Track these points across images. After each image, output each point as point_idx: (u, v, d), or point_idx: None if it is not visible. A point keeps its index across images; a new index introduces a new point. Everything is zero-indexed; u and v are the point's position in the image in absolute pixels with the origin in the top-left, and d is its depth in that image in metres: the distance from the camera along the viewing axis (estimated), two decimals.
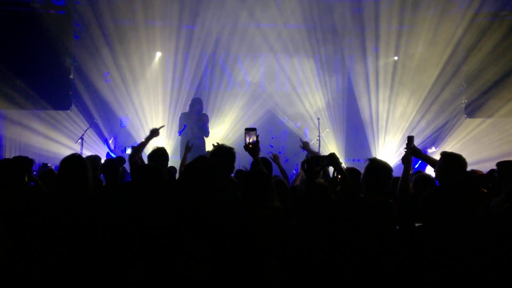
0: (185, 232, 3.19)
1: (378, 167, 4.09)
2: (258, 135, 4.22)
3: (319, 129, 11.12)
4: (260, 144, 4.21)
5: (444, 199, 3.41)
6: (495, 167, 4.83)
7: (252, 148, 4.15)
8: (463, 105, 11.17)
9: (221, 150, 4.16)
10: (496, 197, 3.85)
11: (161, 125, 5.72)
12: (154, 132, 5.40)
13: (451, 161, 4.23)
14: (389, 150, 11.91)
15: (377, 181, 4.03)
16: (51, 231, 3.23)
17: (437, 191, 3.60)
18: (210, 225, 3.26)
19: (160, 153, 5.07)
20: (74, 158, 3.63)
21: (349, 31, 12.32)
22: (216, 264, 3.19)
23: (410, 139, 4.72)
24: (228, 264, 3.26)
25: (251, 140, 4.16)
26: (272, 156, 6.04)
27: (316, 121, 11.40)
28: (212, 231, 3.25)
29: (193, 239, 3.17)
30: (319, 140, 11.01)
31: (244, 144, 4.22)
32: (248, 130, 4.22)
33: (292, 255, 3.43)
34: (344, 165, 4.44)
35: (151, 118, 12.21)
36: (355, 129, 12.80)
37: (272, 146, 12.07)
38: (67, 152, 10.44)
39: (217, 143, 4.33)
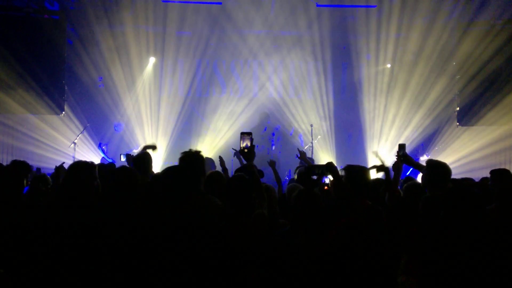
0: (164, 238, 3.14)
1: (354, 172, 4.11)
2: (252, 139, 4.22)
3: (312, 136, 11.15)
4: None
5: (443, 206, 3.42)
6: (487, 175, 4.88)
7: (247, 153, 4.13)
8: (455, 113, 11.24)
9: (191, 156, 4.07)
10: (488, 205, 3.87)
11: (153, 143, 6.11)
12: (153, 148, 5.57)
13: (435, 170, 4.28)
14: (381, 157, 11.94)
15: (357, 186, 4.06)
16: (55, 238, 3.21)
17: (433, 199, 3.60)
18: (189, 232, 3.19)
19: (143, 157, 5.14)
20: (83, 166, 3.60)
21: (342, 38, 12.39)
22: (194, 272, 3.13)
23: (401, 147, 4.76)
24: (207, 273, 3.20)
25: (244, 145, 4.12)
26: (268, 161, 6.05)
27: (309, 128, 11.43)
28: (192, 238, 3.19)
29: (172, 245, 3.10)
30: (312, 147, 11.03)
31: (239, 148, 4.18)
32: (244, 134, 4.17)
33: (283, 262, 3.41)
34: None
35: (144, 123, 12.18)
36: (348, 136, 12.84)
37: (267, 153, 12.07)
38: (59, 157, 10.34)
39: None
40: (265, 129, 10.93)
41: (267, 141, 10.69)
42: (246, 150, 4.08)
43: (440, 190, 4.08)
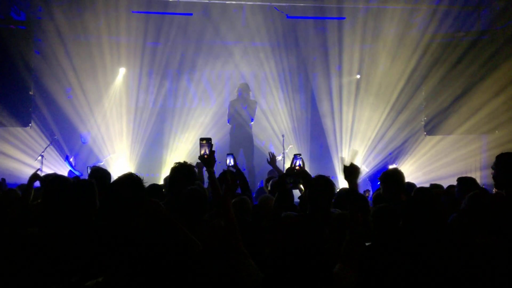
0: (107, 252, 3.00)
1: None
2: (212, 145, 4.08)
3: (283, 146, 11.19)
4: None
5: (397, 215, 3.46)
6: (454, 183, 4.96)
7: (207, 159, 4.02)
8: (423, 123, 11.45)
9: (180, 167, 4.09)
10: (454, 213, 3.93)
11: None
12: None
13: (387, 181, 4.36)
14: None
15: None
16: None
17: (385, 209, 3.62)
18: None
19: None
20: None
21: (312, 49, 12.52)
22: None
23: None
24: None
25: (203, 151, 3.99)
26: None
27: (281, 138, 11.48)
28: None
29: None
30: (284, 157, 11.06)
31: (199, 155, 4.07)
32: (202, 141, 4.05)
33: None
34: None
35: (114, 135, 12.01)
36: (319, 146, 12.92)
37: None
38: (26, 170, 10.10)
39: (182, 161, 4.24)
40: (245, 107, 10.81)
41: (246, 113, 10.76)
42: (206, 157, 4.01)
43: (396, 197, 4.17)
